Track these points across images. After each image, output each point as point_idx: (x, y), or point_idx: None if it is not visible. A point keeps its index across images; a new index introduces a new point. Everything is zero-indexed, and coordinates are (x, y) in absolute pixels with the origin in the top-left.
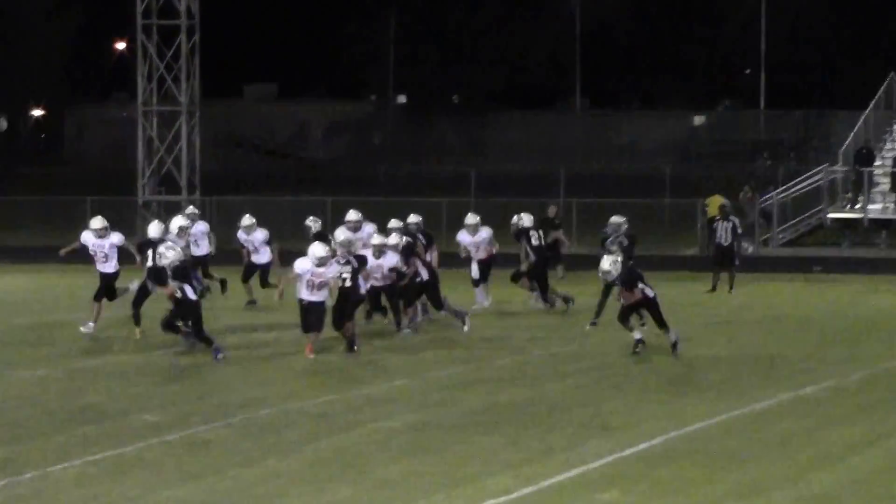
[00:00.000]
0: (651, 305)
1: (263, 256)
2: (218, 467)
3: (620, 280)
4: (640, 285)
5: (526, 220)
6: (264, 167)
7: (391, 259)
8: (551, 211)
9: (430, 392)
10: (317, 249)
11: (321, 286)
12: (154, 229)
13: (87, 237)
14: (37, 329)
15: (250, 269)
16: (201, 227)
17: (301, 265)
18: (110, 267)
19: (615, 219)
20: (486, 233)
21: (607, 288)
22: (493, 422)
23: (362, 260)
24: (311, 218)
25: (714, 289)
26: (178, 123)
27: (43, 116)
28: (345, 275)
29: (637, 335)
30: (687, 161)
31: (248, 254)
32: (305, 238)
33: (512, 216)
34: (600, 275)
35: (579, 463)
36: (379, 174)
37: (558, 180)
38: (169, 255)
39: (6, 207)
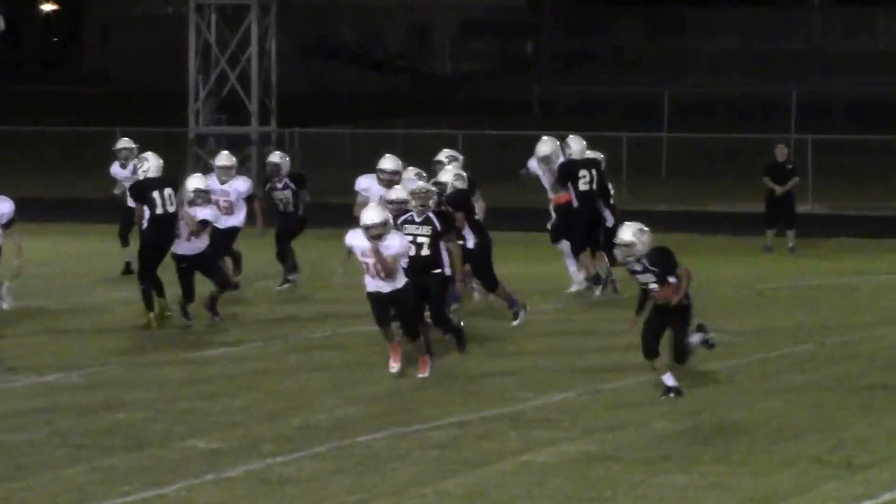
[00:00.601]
0: (681, 317)
1: (235, 217)
2: None
3: (648, 262)
4: (672, 279)
5: (576, 148)
6: (369, 86)
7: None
8: (780, 153)
9: (600, 412)
10: (371, 214)
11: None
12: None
13: None
14: (47, 316)
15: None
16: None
17: (353, 239)
18: None
19: None
20: None
21: None
22: (691, 454)
23: (448, 219)
24: (279, 154)
25: None
26: (247, 23)
27: (55, 12)
28: (421, 239)
29: (668, 380)
30: None
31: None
32: (271, 182)
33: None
34: (617, 253)
35: None
36: (532, 97)
37: (788, 108)
38: None
39: (5, 142)
